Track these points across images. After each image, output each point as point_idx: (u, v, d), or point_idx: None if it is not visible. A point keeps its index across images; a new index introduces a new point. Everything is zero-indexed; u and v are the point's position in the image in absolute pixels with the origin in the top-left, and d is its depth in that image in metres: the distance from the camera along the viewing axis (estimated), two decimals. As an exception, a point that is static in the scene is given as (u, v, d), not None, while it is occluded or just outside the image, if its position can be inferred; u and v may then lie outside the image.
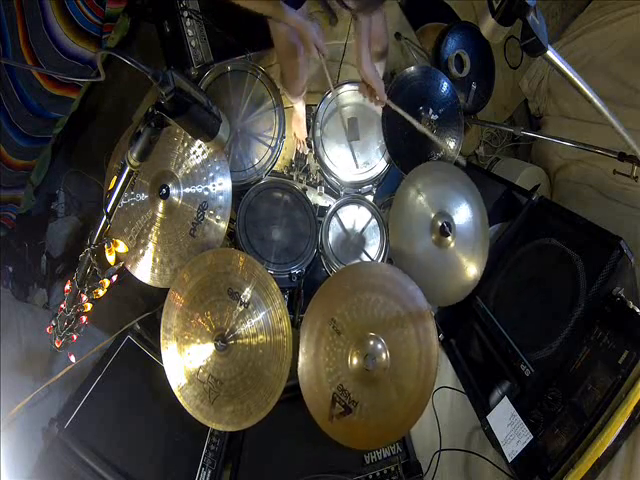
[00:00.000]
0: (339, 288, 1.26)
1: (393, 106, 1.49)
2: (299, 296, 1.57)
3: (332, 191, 1.79)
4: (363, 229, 1.67)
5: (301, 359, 1.22)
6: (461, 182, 1.47)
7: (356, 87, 1.62)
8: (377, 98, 1.49)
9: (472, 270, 1.42)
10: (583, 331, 1.16)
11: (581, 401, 1.08)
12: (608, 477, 1.00)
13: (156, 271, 1.35)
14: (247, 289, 1.23)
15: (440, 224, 1.42)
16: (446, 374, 1.52)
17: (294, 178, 1.72)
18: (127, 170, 1.01)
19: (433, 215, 1.46)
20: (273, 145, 1.56)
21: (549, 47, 0.75)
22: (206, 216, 1.34)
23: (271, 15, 1.31)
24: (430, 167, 1.56)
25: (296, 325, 1.51)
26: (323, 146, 1.65)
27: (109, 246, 1.14)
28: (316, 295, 1.26)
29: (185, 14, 1.55)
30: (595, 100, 0.86)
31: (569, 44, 2.04)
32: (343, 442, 1.18)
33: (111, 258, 1.17)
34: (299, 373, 1.22)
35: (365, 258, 1.62)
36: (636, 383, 0.99)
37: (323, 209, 1.69)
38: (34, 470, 1.16)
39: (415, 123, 1.50)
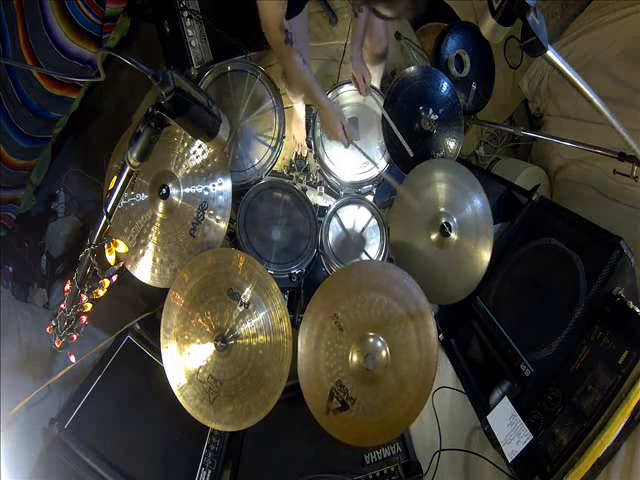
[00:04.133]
0: (343, 284, 1.25)
1: (384, 113, 1.58)
2: (299, 296, 1.57)
3: (332, 191, 1.79)
4: (363, 229, 1.66)
5: (301, 350, 1.21)
6: (460, 176, 1.47)
7: (356, 87, 1.62)
8: (362, 89, 1.59)
9: (477, 264, 1.41)
10: (583, 331, 1.16)
11: (581, 401, 1.08)
12: (608, 477, 1.00)
13: (156, 271, 1.35)
14: (247, 289, 1.23)
15: (440, 224, 1.42)
16: (446, 374, 1.52)
17: (294, 178, 1.72)
18: (127, 170, 1.01)
19: (432, 215, 1.46)
20: (273, 145, 1.56)
21: (549, 47, 0.75)
22: (206, 216, 1.34)
23: (305, 94, 1.47)
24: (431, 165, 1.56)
25: (296, 325, 1.51)
26: (323, 146, 1.65)
27: (109, 246, 1.14)
28: (320, 288, 1.25)
29: (185, 14, 1.55)
30: (595, 100, 0.86)
31: (569, 44, 2.04)
32: (338, 436, 1.18)
33: (111, 258, 1.17)
34: (299, 364, 1.21)
35: (365, 258, 1.62)
36: (636, 383, 0.99)
37: (323, 209, 1.69)
38: (34, 470, 1.16)
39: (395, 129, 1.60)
